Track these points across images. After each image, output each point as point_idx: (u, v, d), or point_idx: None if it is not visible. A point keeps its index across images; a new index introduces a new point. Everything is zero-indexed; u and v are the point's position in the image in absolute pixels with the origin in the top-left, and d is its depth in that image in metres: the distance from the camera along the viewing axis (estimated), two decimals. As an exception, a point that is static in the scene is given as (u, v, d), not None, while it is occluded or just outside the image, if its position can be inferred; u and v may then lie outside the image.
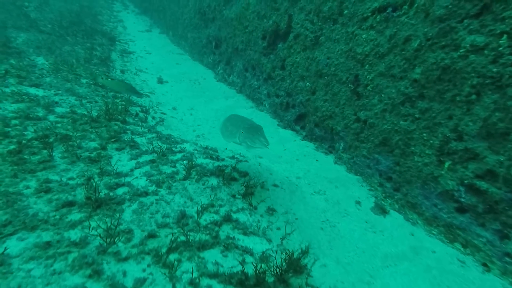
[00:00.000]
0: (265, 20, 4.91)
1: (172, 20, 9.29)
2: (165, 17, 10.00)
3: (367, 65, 3.21)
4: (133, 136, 3.33)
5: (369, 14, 3.16)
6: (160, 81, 6.20)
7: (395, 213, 2.89)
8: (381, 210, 2.87)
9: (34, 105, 3.45)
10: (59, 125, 3.18)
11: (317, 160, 3.67)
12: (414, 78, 2.73)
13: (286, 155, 3.81)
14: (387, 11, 2.97)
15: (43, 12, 8.02)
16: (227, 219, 2.29)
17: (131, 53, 7.79)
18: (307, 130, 4.22)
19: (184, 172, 2.81)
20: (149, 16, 11.69)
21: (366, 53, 3.21)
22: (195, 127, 4.56)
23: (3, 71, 3.99)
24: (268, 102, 5.09)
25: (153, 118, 4.33)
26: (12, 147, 2.58)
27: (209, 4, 6.74)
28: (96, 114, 3.65)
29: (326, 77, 3.80)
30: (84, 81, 4.77)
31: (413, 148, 2.76)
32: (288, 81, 4.51)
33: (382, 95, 3.06)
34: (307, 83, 4.12)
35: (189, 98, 5.62)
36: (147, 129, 3.70)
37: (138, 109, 4.42)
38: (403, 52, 2.83)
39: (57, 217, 1.96)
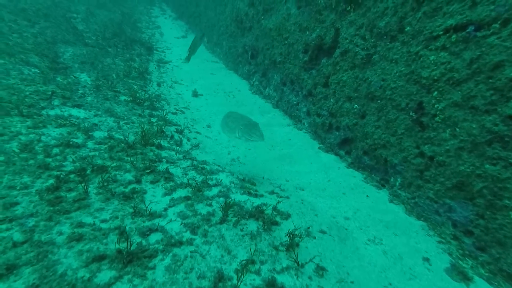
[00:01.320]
0: (307, 33, 4.51)
1: (208, 26, 9.20)
2: (200, 23, 9.97)
3: (436, 92, 2.70)
4: (168, 166, 3.18)
5: (441, 32, 2.64)
6: (195, 94, 6.08)
7: (482, 282, 2.33)
8: (461, 275, 2.35)
9: (75, 129, 3.45)
10: (96, 153, 3.12)
11: (367, 196, 3.22)
12: (507, 114, 2.18)
13: (331, 187, 3.41)
14: (467, 30, 2.43)
15: (89, 23, 8.36)
16: (271, 284, 1.99)
17: (167, 62, 7.82)
18: (354, 157, 3.77)
19: (220, 214, 2.57)
20: (185, 21, 11.79)
21: (435, 78, 2.69)
22: (230, 148, 4.33)
23: (50, 92, 4.07)
24: (307, 121, 4.69)
25: (188, 139, 4.17)
26: (51, 182, 2.54)
27: (247, 12, 6.47)
28: (133, 138, 3.57)
29: (379, 101, 3.32)
30: (122, 98, 4.78)
31: (507, 202, 2.22)
32: (331, 100, 4.08)
33: (457, 129, 2.54)
34: (355, 105, 3.66)
35: (223, 114, 5.41)
36: (182, 155, 3.53)
37: (173, 129, 4.30)
38: (490, 81, 2.29)
39: (86, 277, 1.81)
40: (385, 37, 3.22)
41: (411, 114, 2.94)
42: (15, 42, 5.36)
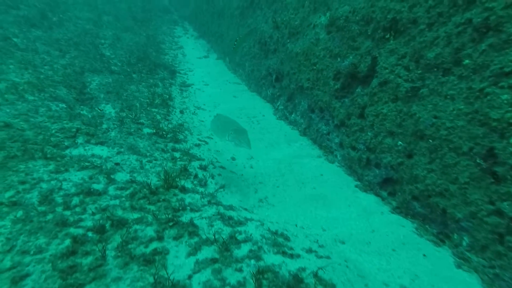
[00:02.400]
0: (339, 59, 4.16)
1: (230, 46, 9.12)
2: (222, 43, 9.94)
3: None
4: (192, 215, 2.92)
5: (515, 68, 2.20)
6: (218, 120, 5.88)
7: None
8: None
9: (97, 172, 3.30)
10: (117, 201, 2.93)
11: (424, 255, 2.73)
12: None
13: (376, 240, 2.97)
14: (555, 68, 1.98)
15: (115, 48, 8.56)
16: None
17: (190, 85, 7.76)
18: (400, 200, 3.31)
19: (252, 284, 2.23)
20: (207, 40, 11.87)
21: (511, 121, 2.23)
22: (257, 185, 4.01)
23: (75, 130, 4.01)
24: (340, 154, 4.29)
25: (212, 177, 3.91)
26: (67, 243, 2.34)
27: (271, 35, 6.25)
28: (155, 181, 3.37)
29: (431, 141, 2.87)
30: (145, 131, 4.65)
31: None
32: (369, 133, 3.67)
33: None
34: (399, 142, 3.23)
35: (248, 143, 5.14)
36: (207, 200, 3.26)
37: (197, 164, 4.07)
38: None
39: None
40: (435, 69, 2.81)
41: (478, 161, 2.47)
42: (46, 75, 5.47)
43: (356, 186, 3.83)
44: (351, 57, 3.89)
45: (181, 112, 5.99)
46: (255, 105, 6.75)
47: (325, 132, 4.61)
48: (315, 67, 4.77)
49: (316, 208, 3.43)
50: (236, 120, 6.26)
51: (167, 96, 6.42)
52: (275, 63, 6.22)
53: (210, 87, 7.83)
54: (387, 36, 3.30)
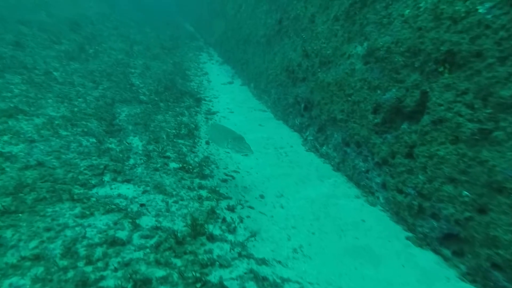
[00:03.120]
0: (379, 92, 3.83)
1: (255, 73, 9.09)
2: (247, 69, 9.96)
3: None
4: (222, 273, 2.61)
5: None
6: (245, 152, 5.66)
7: None
8: None
9: (122, 217, 3.13)
10: (141, 253, 2.70)
11: None
12: None
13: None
14: None
15: (144, 77, 8.82)
16: None
17: (215, 113, 7.70)
18: (472, 266, 2.76)
19: None
20: (231, 65, 12.02)
21: None
22: (290, 230, 3.64)
23: (102, 167, 3.94)
24: (384, 196, 3.83)
25: (241, 220, 3.61)
26: (87, 310, 2.12)
27: (300, 63, 6.08)
28: (182, 226, 3.13)
29: None
30: (172, 165, 4.51)
31: None
32: (421, 177, 3.22)
33: None
34: (465, 192, 2.76)
35: (276, 179, 4.82)
36: (237, 252, 2.95)
37: (225, 204, 3.81)
38: None
39: None
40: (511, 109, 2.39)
41: None
42: (79, 108, 5.61)
43: (408, 238, 3.34)
44: (394, 90, 3.55)
45: (207, 143, 5.85)
46: (282, 134, 6.49)
47: (363, 169, 4.20)
48: (350, 98, 4.46)
49: (361, 264, 2.98)
50: (263, 151, 6.05)
51: (193, 126, 6.34)
52: (304, 91, 5.99)
53: (235, 115, 7.72)
54: (441, 69, 2.95)
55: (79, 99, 6.06)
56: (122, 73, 8.49)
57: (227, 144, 4.03)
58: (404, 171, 3.42)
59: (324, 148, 5.28)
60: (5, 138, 4.09)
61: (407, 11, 3.30)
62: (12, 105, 5.05)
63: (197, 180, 4.31)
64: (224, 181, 4.59)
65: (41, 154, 3.91)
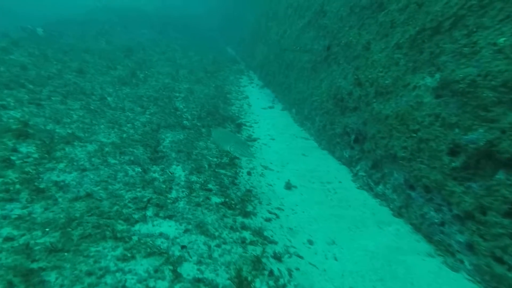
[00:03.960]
0: (457, 131, 3.25)
1: (298, 99, 8.83)
2: (289, 94, 9.75)
3: None
4: None
5: None
6: (288, 186, 5.27)
7: None
8: None
9: (162, 261, 2.91)
10: (182, 314, 2.41)
11: None
12: None
13: None
14: None
15: (188, 101, 9.03)
16: None
17: (256, 140, 7.49)
18: None
19: None
20: (272, 89, 11.93)
21: None
22: (346, 291, 3.11)
23: (146, 200, 3.83)
24: (471, 261, 3.13)
25: (290, 274, 3.18)
26: None
27: (351, 92, 5.67)
28: (225, 278, 2.80)
29: None
30: (214, 200, 4.28)
31: None
32: (523, 244, 2.54)
33: None
34: None
35: (326, 221, 4.32)
36: (288, 322, 2.52)
37: (270, 251, 3.42)
38: None
39: None
40: None
41: None
42: (128, 134, 5.76)
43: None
44: (481, 131, 2.96)
45: (248, 173, 5.58)
46: (329, 167, 5.99)
47: (436, 221, 3.54)
48: (415, 135, 3.90)
49: None
50: (308, 185, 5.60)
51: (235, 156, 6.14)
52: (355, 122, 5.51)
53: (276, 142, 7.42)
54: (553, 112, 2.35)
55: (128, 125, 6.27)
56: (167, 98, 8.79)
57: (230, 147, 4.57)
58: (504, 234, 2.74)
59: (380, 187, 4.69)
60: (61, 165, 4.22)
61: (501, 40, 2.78)
62: (70, 131, 5.33)
63: (239, 219, 4.01)
64: (268, 220, 4.22)
65: (90, 184, 3.94)
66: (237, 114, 9.13)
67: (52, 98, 6.61)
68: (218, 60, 15.88)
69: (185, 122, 7.35)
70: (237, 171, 5.51)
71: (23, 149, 4.48)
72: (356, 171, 5.43)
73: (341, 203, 4.75)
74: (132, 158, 4.82)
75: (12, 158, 4.16)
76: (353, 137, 5.61)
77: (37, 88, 6.98)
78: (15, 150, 4.36)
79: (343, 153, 5.97)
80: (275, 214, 4.43)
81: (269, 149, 7.01)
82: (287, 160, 6.44)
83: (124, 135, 5.70)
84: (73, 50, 11.56)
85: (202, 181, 4.70)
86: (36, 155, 4.35)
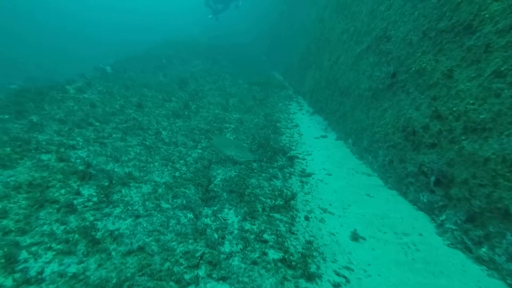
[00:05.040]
0: None
1: (355, 128, 8.05)
2: (344, 122, 9.01)
3: None
4: None
5: None
6: (355, 237, 4.50)
7: None
8: None
9: None
10: None
11: None
12: None
13: None
14: None
15: (238, 132, 8.91)
16: None
17: (310, 175, 6.87)
18: None
19: None
20: (324, 116, 11.29)
21: None
22: None
23: (198, 256, 3.49)
24: None
25: None
26: None
27: (427, 125, 4.81)
28: None
29: None
30: (271, 256, 3.76)
31: None
32: None
33: None
34: None
35: (413, 293, 3.45)
36: None
37: None
38: None
39: None
40: None
41: None
42: (180, 172, 5.69)
43: None
44: None
45: (306, 218, 4.97)
46: (402, 212, 5.06)
47: None
48: (538, 190, 2.93)
49: None
50: (379, 236, 4.72)
51: (289, 194, 5.60)
52: (435, 161, 4.59)
53: (334, 178, 6.70)
54: None
55: (181, 161, 6.24)
56: (218, 129, 8.78)
57: (230, 151, 4.94)
58: None
59: (484, 250, 3.65)
60: (117, 210, 4.19)
61: None
62: (127, 170, 5.43)
63: (302, 283, 3.40)
64: (337, 286, 3.52)
65: (143, 234, 3.77)
66: (288, 145, 8.67)
67: (113, 135, 7.00)
68: (266, 87, 15.93)
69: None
70: (294, 216, 4.94)
71: (85, 191, 4.60)
72: (441, 221, 4.43)
73: (429, 266, 3.81)
74: (184, 202, 4.62)
75: (75, 202, 4.25)
76: (433, 178, 4.66)
77: (102, 125, 7.52)
78: (78, 193, 4.49)
79: (420, 197, 5.01)
80: (344, 277, 3.70)
81: (326, 187, 6.32)
82: (348, 201, 5.67)
83: (177, 174, 5.63)
84: (134, 86, 12.62)
85: (257, 230, 4.24)
86: (95, 199, 4.41)
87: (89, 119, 7.67)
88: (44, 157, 5.44)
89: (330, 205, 5.57)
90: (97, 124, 7.55)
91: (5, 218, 3.78)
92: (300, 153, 8.28)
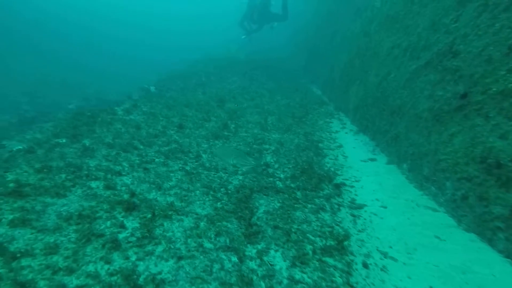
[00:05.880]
0: None
1: (412, 153, 7.15)
2: (396, 145, 8.12)
3: None
4: None
5: None
6: (430, 297, 3.73)
7: None
8: None
9: None
10: None
11: None
12: None
13: None
14: None
15: (278, 155, 8.49)
16: None
17: (362, 207, 6.14)
18: None
19: None
20: (370, 136, 10.41)
21: None
22: None
23: (243, 314, 3.06)
24: None
25: None
26: None
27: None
28: None
29: None
30: (328, 320, 3.19)
31: None
32: None
33: None
34: None
35: None
36: None
37: None
38: None
39: None
40: None
41: None
42: (221, 203, 5.42)
43: None
44: None
45: (365, 265, 4.30)
46: (491, 267, 4.12)
47: None
48: None
49: None
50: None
51: (342, 232, 4.99)
52: (534, 205, 3.67)
53: (390, 212, 5.90)
54: None
55: (222, 189, 5.97)
56: (258, 152, 8.47)
57: (231, 160, 5.41)
58: None
59: None
60: (160, 249, 3.98)
61: None
62: (169, 199, 5.29)
63: None
64: None
65: (185, 280, 3.48)
66: (333, 170, 8.02)
67: (156, 159, 7.04)
68: (305, 103, 15.41)
69: (278, 182, 6.69)
70: (349, 262, 4.31)
71: (129, 224, 4.50)
72: (547, 286, 3.46)
73: None
74: (227, 242, 4.27)
75: (119, 237, 4.14)
76: (531, 228, 3.73)
77: (145, 148, 7.65)
78: (122, 226, 4.40)
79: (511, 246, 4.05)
80: None
81: (382, 223, 5.55)
82: (413, 243, 4.86)
83: (219, 204, 5.35)
84: (175, 105, 12.97)
85: (310, 281, 3.71)
86: (138, 233, 4.27)
87: (134, 142, 7.87)
88: (93, 184, 5.55)
89: (391, 247, 4.82)
90: (141, 147, 7.70)
91: (56, 253, 3.77)
92: (347, 179, 7.57)
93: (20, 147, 7.44)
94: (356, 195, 6.73)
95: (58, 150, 7.07)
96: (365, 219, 5.71)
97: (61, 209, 4.70)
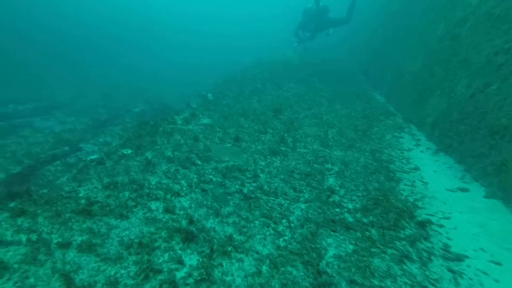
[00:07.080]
0: None
1: (528, 190, 5.52)
2: (499, 174, 6.45)
3: None
4: None
5: None
6: None
7: None
8: None
9: None
10: None
11: None
12: None
13: None
14: None
15: (343, 178, 7.54)
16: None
17: (461, 259, 4.85)
18: None
19: None
20: (456, 158, 8.64)
21: None
22: None
23: None
24: None
25: None
26: None
27: None
28: None
29: None
30: None
31: None
32: None
33: None
34: None
35: None
36: None
37: None
38: None
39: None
40: None
41: None
42: (284, 240, 4.79)
43: None
44: None
45: None
46: None
47: None
48: None
49: None
50: None
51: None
52: None
53: (509, 273, 4.51)
54: None
55: (283, 221, 5.35)
56: (319, 173, 7.63)
57: (226, 157, 6.53)
58: None
59: None
60: (217, 299, 3.51)
61: None
62: (227, 230, 4.87)
63: None
64: None
65: None
66: (411, 200, 6.74)
67: (214, 179, 6.75)
68: (368, 113, 13.91)
69: (347, 215, 5.79)
70: None
71: (187, 259, 4.17)
72: None
73: None
74: (295, 299, 3.61)
75: (177, 276, 3.81)
76: None
77: (203, 164, 7.46)
78: (180, 262, 4.08)
79: None
80: None
81: (494, 288, 4.25)
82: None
83: (281, 241, 4.73)
84: (231, 115, 12.82)
85: None
86: (196, 274, 3.88)
87: (192, 157, 7.76)
88: (153, 205, 5.45)
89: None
90: (199, 163, 7.54)
91: (115, 290, 3.59)
92: (433, 215, 6.23)
93: (93, 157, 7.93)
94: (449, 239, 5.43)
95: (123, 163, 7.31)
96: (471, 279, 4.45)
97: (123, 234, 4.63)
